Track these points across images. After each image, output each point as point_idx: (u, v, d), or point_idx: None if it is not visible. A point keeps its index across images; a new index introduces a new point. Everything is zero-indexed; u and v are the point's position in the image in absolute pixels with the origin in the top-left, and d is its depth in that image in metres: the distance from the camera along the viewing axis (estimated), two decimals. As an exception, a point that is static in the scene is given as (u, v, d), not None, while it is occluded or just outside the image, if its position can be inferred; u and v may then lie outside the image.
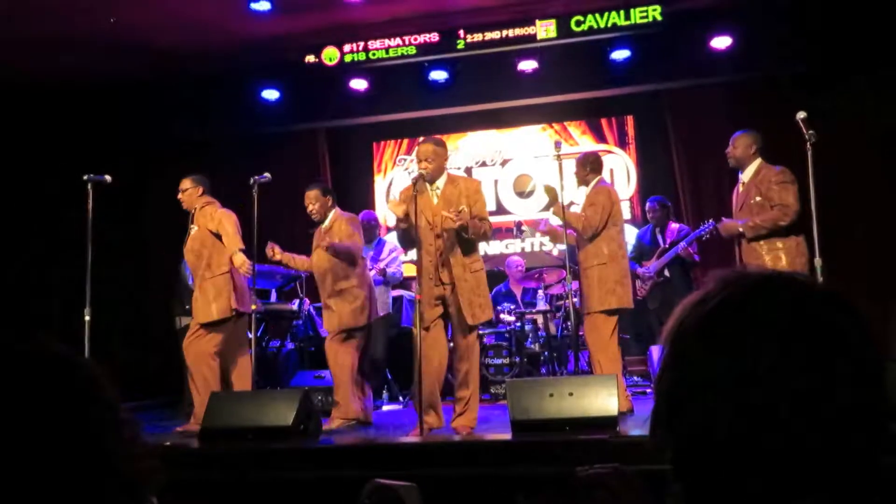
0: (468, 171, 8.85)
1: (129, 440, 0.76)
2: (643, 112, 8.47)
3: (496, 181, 8.83)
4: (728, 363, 0.72)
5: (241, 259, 5.29)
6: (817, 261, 4.68)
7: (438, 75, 7.76)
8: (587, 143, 8.64)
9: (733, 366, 0.72)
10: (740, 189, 5.27)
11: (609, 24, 7.14)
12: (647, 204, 7.06)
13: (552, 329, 7.10)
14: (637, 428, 4.50)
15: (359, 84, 7.93)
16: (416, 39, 7.52)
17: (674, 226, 6.93)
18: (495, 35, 7.38)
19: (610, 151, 8.58)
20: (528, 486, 3.86)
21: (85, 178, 5.35)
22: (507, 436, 4.31)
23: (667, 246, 6.75)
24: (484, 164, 8.88)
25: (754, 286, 0.77)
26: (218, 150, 8.48)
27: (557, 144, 5.28)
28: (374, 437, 5.04)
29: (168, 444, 4.76)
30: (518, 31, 7.33)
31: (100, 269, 5.42)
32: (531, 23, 7.28)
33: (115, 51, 7.38)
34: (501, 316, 7.18)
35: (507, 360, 6.80)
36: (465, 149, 8.93)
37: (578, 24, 7.16)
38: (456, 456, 4.23)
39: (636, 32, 7.18)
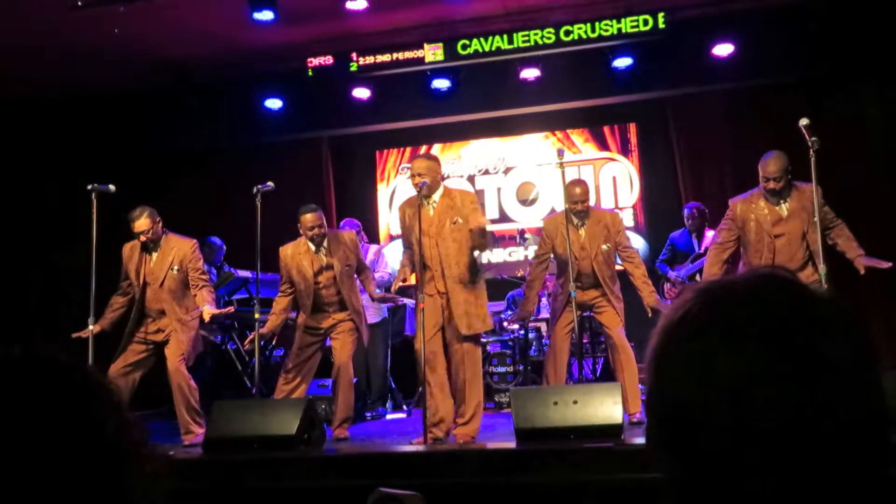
0: (471, 179, 8.86)
1: (138, 441, 0.78)
2: (646, 119, 8.49)
3: (499, 189, 8.84)
4: (701, 376, 0.71)
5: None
6: (822, 267, 4.67)
7: (441, 84, 7.77)
8: (590, 151, 8.66)
9: (704, 378, 0.70)
10: (783, 212, 4.94)
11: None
12: (685, 210, 7.09)
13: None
14: (642, 436, 4.49)
15: (362, 93, 7.94)
16: (311, 63, 7.62)
17: (709, 233, 6.94)
18: (385, 58, 7.57)
19: (613, 159, 8.59)
20: (533, 495, 3.86)
21: (90, 187, 5.36)
22: (512, 444, 4.30)
23: (701, 251, 6.77)
24: (487, 172, 8.89)
25: (738, 297, 0.75)
26: (221, 159, 8.51)
27: (560, 152, 5.29)
28: (379, 446, 5.04)
29: (172, 453, 4.76)
30: (408, 55, 7.51)
31: (104, 279, 5.42)
32: (420, 46, 7.46)
33: (119, 61, 7.42)
34: (504, 324, 7.17)
35: (510, 369, 6.79)
36: (467, 157, 8.94)
37: (465, 47, 7.39)
38: (460, 465, 4.22)
39: (543, 54, 7.32)
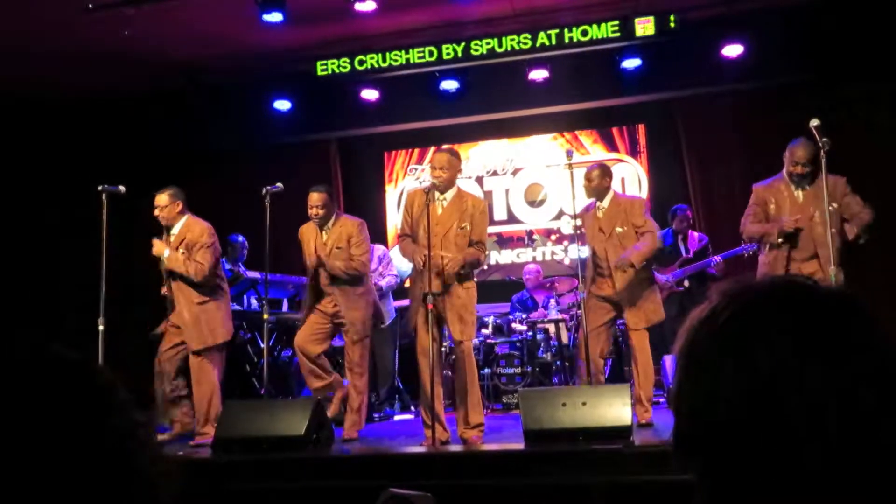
0: (479, 180, 8.86)
1: (146, 441, 0.78)
2: (654, 120, 8.46)
3: (507, 190, 8.83)
4: (751, 377, 0.72)
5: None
6: (831, 269, 4.65)
7: (449, 85, 7.77)
8: (598, 152, 8.64)
9: (756, 379, 0.72)
10: (799, 198, 5.06)
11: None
12: (677, 212, 7.04)
13: (564, 338, 7.07)
14: (651, 438, 4.48)
15: (370, 94, 7.95)
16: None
17: (694, 234, 6.90)
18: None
19: (621, 160, 8.57)
20: (541, 496, 3.85)
21: (100, 188, 5.38)
22: (520, 445, 4.31)
23: (690, 256, 6.72)
24: (495, 173, 8.89)
25: (763, 296, 0.77)
26: (230, 160, 8.53)
27: (569, 153, 5.28)
28: (388, 447, 5.04)
29: (181, 453, 4.78)
30: None
31: (112, 279, 5.44)
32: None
33: (128, 63, 7.45)
34: (513, 325, 7.16)
35: (518, 370, 6.78)
36: (476, 158, 8.94)
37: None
38: (470, 466, 4.22)
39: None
